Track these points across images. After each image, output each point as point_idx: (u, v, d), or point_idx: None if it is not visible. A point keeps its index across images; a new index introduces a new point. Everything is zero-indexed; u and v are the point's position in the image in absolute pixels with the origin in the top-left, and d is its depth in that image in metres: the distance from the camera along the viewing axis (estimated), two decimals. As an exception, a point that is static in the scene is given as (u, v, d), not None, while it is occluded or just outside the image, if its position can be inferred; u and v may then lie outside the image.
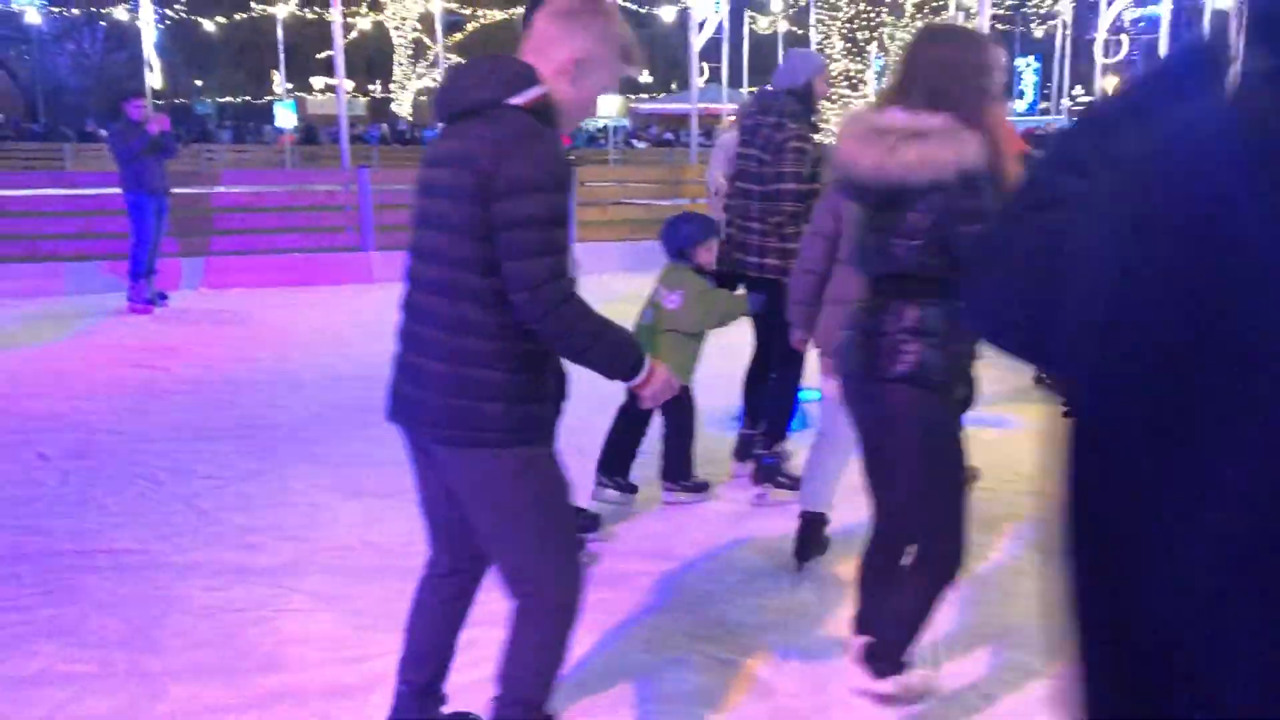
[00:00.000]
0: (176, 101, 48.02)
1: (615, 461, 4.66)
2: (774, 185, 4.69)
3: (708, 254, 4.67)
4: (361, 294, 10.43)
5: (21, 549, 4.23)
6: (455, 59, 46.30)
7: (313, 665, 3.35)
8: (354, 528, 4.48)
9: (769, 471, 4.83)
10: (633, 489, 4.68)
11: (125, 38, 41.65)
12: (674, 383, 2.56)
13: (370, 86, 50.92)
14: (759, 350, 5.15)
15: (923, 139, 2.64)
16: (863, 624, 3.11)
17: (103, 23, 42.59)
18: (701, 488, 4.89)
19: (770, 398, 4.99)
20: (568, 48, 2.41)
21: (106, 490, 4.91)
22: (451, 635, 2.85)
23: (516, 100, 2.35)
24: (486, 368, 2.38)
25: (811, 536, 4.12)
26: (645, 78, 55.33)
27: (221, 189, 12.82)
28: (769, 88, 4.92)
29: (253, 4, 38.93)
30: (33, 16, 43.27)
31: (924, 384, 2.74)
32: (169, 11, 36.34)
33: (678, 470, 4.81)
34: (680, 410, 4.65)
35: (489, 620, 3.61)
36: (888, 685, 2.99)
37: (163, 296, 9.72)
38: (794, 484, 4.54)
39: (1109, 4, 14.75)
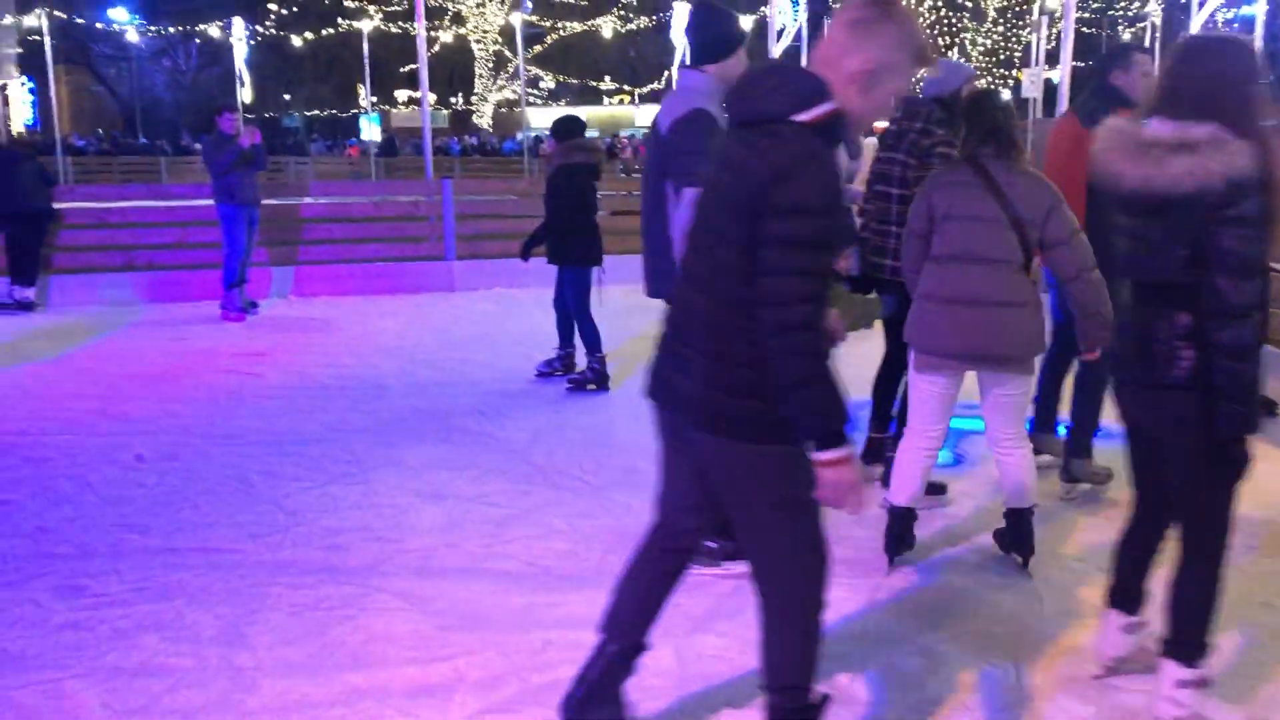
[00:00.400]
0: (266, 115, 49.40)
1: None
2: (916, 190, 4.69)
3: (845, 259, 4.73)
4: (443, 302, 10.61)
5: (120, 547, 4.40)
6: (535, 71, 46.93)
7: (397, 663, 3.43)
8: (437, 530, 4.57)
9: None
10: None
11: (218, 54, 43.00)
12: (859, 493, 2.51)
13: (452, 99, 51.79)
14: (890, 353, 5.12)
15: (1190, 150, 2.67)
16: (1118, 598, 3.26)
17: (197, 40, 43.99)
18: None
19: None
20: (859, 58, 2.44)
21: (200, 491, 5.08)
22: (663, 602, 2.96)
23: (803, 117, 2.39)
24: (747, 367, 2.45)
25: (902, 532, 4.15)
26: (723, 87, 55.33)
27: (309, 200, 13.17)
28: (917, 94, 4.95)
29: (339, 19, 39.89)
30: (131, 35, 44.89)
31: (1201, 388, 2.78)
32: (259, 28, 37.38)
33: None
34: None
35: (565, 623, 3.67)
36: (1202, 670, 2.98)
37: (254, 305, 10.01)
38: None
39: (1200, 5, 14.37)
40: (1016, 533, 4.11)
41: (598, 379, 7.03)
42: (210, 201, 9.75)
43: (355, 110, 48.34)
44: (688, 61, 4.15)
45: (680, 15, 21.58)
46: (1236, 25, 25.40)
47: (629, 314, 7.73)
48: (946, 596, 3.92)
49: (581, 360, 7.20)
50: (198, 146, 27.67)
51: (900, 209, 4.65)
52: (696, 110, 3.83)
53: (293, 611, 3.79)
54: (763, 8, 15.16)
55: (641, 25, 42.69)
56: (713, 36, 3.98)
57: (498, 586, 4.00)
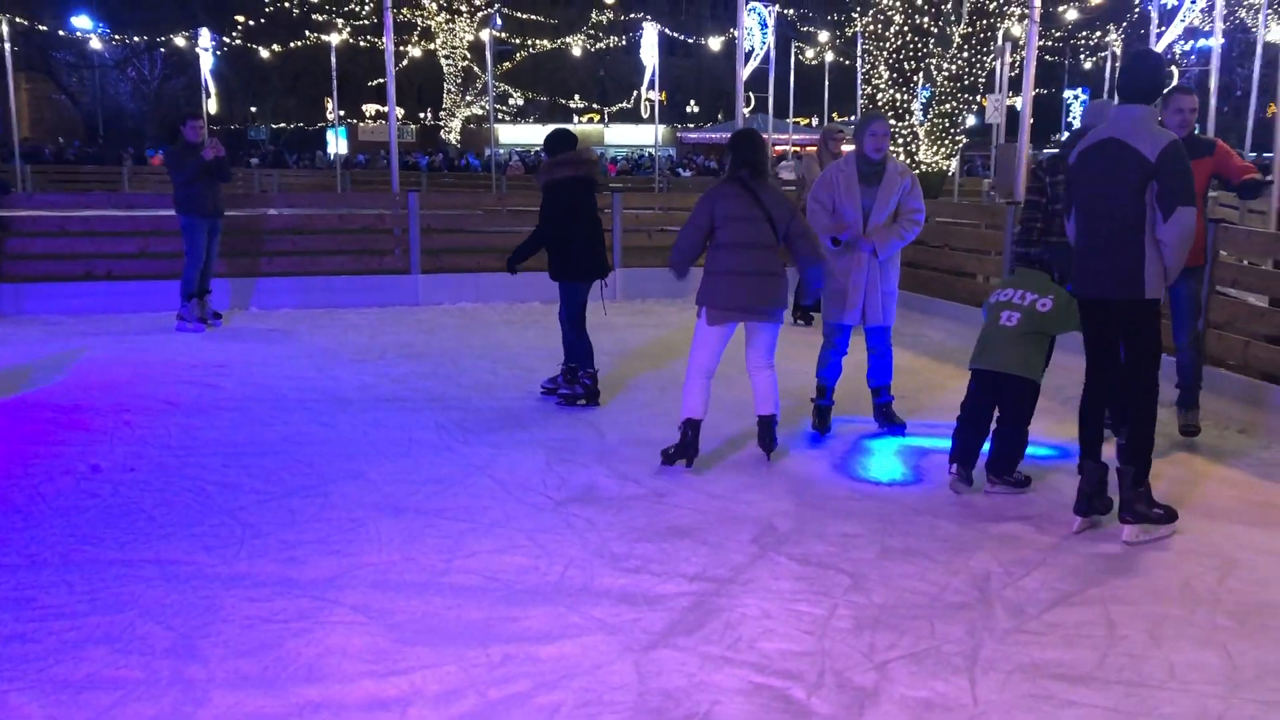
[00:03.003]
0: (232, 127, 49.01)
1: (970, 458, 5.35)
2: None
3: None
4: (407, 315, 10.56)
5: (71, 558, 4.33)
6: (504, 88, 46.95)
7: (352, 677, 3.39)
8: (395, 544, 4.53)
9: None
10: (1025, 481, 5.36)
11: (183, 64, 42.67)
12: None
13: (421, 114, 51.66)
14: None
15: None
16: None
17: (161, 49, 43.62)
18: (1024, 483, 5.30)
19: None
20: None
21: (155, 502, 5.01)
22: None
23: None
24: None
25: (695, 439, 5.72)
26: (692, 107, 55.65)
27: (273, 211, 13.06)
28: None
29: (307, 32, 39.72)
30: (95, 43, 44.43)
31: None
32: (226, 39, 37.15)
33: (1005, 464, 5.27)
34: (1022, 406, 5.23)
35: (524, 637, 3.66)
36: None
37: (216, 316, 9.91)
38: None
39: (1158, 36, 14.65)
40: (766, 432, 5.82)
41: (588, 394, 6.99)
42: (173, 211, 9.65)
43: (322, 123, 48.13)
44: (652, 80, 4.36)
45: (650, 37, 21.69)
46: (1194, 57, 25.92)
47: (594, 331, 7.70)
48: (902, 614, 3.94)
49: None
50: (157, 154, 27.43)
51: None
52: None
53: (247, 624, 3.74)
54: (731, 29, 15.27)
55: (611, 44, 42.86)
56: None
57: (456, 600, 3.97)
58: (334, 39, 28.13)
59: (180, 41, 33.97)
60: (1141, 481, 4.66)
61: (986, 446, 5.36)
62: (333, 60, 24.93)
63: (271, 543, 4.52)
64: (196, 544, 4.49)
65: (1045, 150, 38.55)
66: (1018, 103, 10.54)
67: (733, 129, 8.12)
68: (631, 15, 39.63)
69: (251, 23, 38.65)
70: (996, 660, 3.55)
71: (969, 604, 4.01)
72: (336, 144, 33.33)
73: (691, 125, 53.81)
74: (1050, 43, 35.18)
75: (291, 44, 39.40)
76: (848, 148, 7.81)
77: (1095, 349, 4.86)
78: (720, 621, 3.81)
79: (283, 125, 52.17)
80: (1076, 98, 43.64)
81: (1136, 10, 27.85)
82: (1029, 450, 5.38)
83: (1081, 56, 37.32)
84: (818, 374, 6.42)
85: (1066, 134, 41.65)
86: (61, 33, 40.85)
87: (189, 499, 5.06)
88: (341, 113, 36.09)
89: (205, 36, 25.95)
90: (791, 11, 31.19)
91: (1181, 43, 23.80)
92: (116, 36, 42.42)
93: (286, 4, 38.67)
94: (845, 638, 3.71)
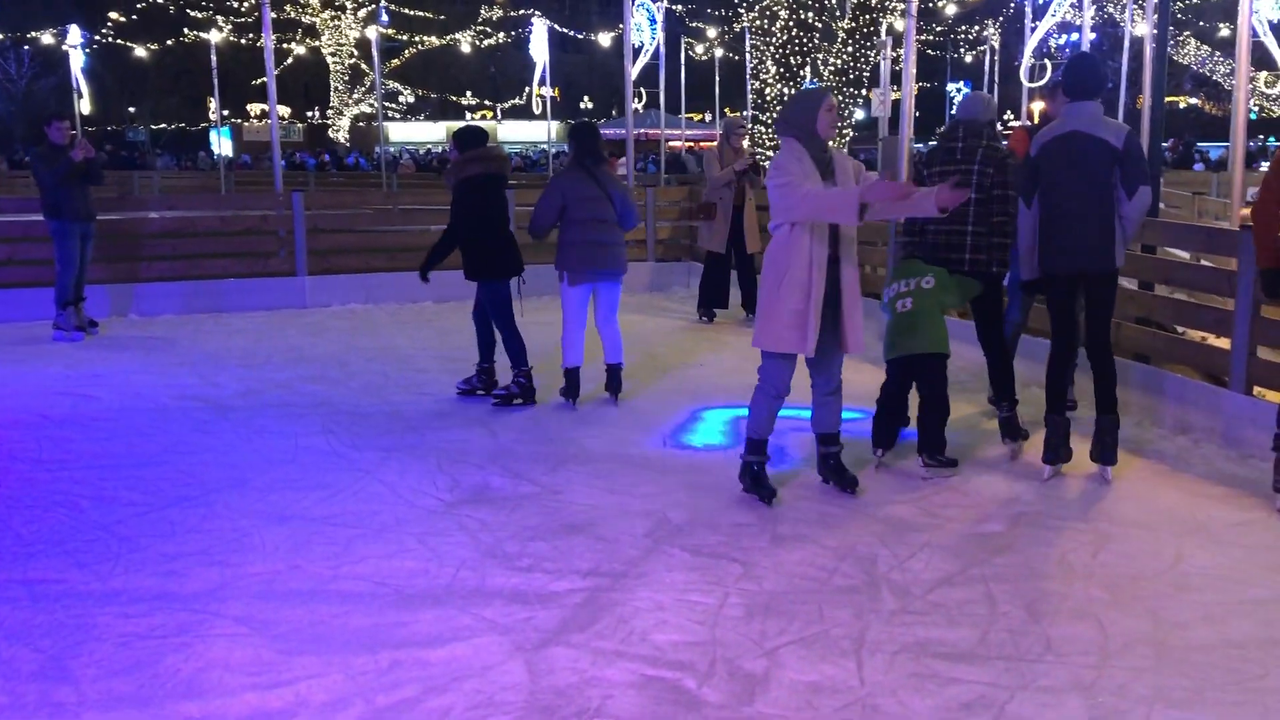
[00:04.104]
0: (109, 129, 47.22)
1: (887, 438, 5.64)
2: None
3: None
4: (294, 319, 10.31)
5: (-67, 581, 4.11)
6: (394, 85, 46.21)
7: (234, 690, 3.29)
8: (281, 552, 4.42)
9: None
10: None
11: (52, 63, 40.93)
12: None
13: (309, 113, 50.52)
14: (980, 331, 5.94)
15: None
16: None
17: (28, 48, 41.81)
18: (953, 464, 5.48)
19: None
20: None
21: (24, 519, 4.79)
22: None
23: None
24: None
25: (578, 383, 6.80)
26: (585, 103, 55.58)
27: (153, 214, 12.63)
28: (974, 118, 5.78)
29: (185, 29, 38.48)
30: (-43, 42, 42.35)
31: None
32: (97, 37, 35.77)
33: (937, 443, 5.45)
34: (938, 378, 5.45)
35: (413, 642, 3.61)
36: None
37: (93, 324, 9.53)
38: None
39: (1032, 30, 15.14)
40: (614, 379, 6.94)
41: (524, 393, 6.90)
42: (40, 216, 9.25)
43: (205, 124, 46.68)
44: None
45: (540, 33, 21.55)
46: (1067, 51, 26.88)
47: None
48: (792, 600, 3.99)
49: (504, 376, 7.06)
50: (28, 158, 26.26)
51: (977, 210, 5.57)
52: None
53: (121, 642, 3.60)
54: (620, 25, 15.29)
55: (500, 40, 42.53)
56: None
57: (344, 607, 3.89)
58: (214, 36, 27.29)
59: (48, 39, 32.58)
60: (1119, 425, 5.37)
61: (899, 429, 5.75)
62: (213, 58, 24.17)
63: (150, 556, 4.37)
64: (68, 561, 4.31)
65: (930, 142, 39.59)
66: (902, 96, 10.77)
67: (623, 125, 8.23)
68: (520, 11, 39.37)
69: (124, 19, 37.27)
70: (882, 641, 3.62)
71: (856, 587, 4.08)
72: (220, 144, 32.35)
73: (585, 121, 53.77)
74: (931, 37, 36.10)
75: (169, 41, 38.14)
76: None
77: (1061, 318, 5.46)
78: (613, 616, 3.81)
79: (163, 126, 50.45)
80: (959, 90, 44.82)
81: (1012, 6, 28.77)
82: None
83: (962, 51, 38.36)
84: (754, 428, 5.13)
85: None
86: (-81, 29, 38.81)
87: (61, 515, 4.86)
88: (225, 112, 35.08)
89: (75, 34, 24.86)
90: (680, 7, 31.38)
91: (1055, 37, 24.67)
92: (-21, 34, 40.48)
93: (160, 0, 37.40)
94: (736, 626, 3.74)
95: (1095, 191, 5.15)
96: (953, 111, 43.60)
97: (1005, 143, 6.16)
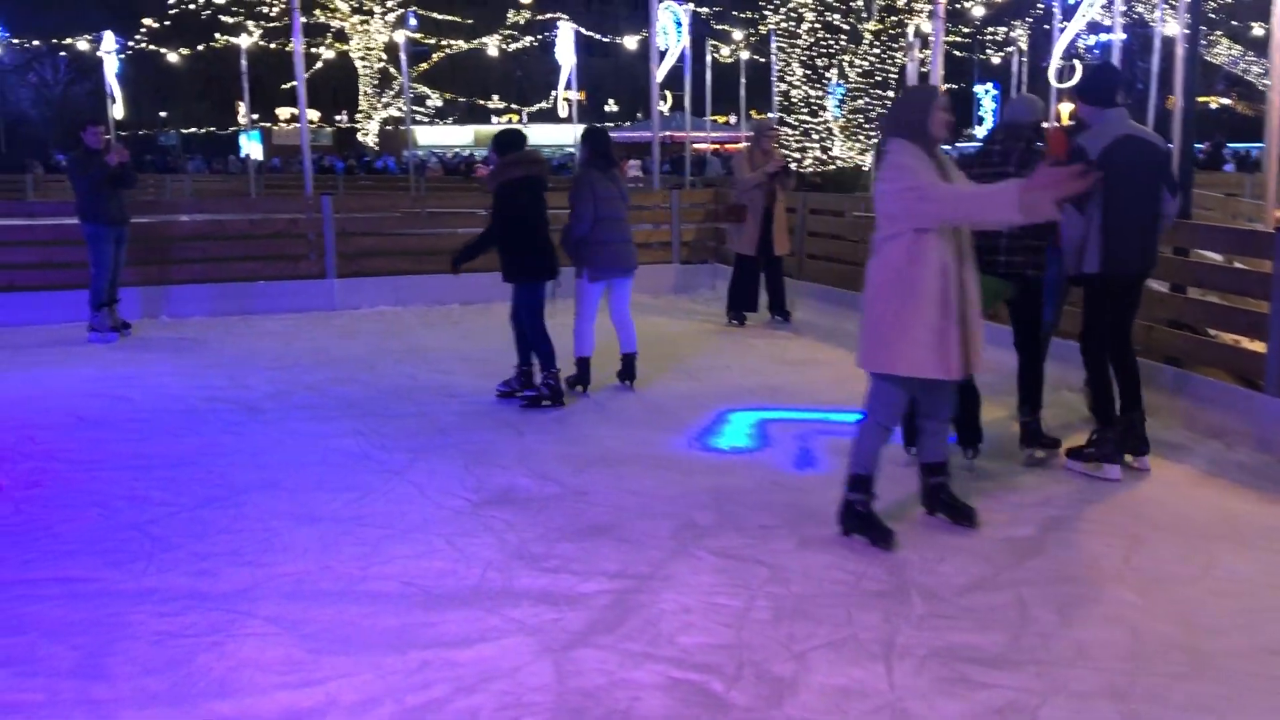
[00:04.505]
0: (141, 133, 47.71)
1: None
2: None
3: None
4: (323, 321, 10.39)
5: (-30, 579, 4.17)
6: (421, 89, 46.44)
7: (265, 689, 3.32)
8: (310, 553, 4.45)
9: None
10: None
11: (87, 68, 41.43)
12: None
13: (337, 117, 50.83)
14: (1016, 335, 5.89)
15: None
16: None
17: (64, 54, 42.32)
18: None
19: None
20: None
21: (60, 519, 4.86)
22: None
23: None
24: None
25: (587, 373, 7.22)
26: (611, 106, 55.67)
27: (184, 218, 12.76)
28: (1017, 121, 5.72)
29: (216, 35, 38.83)
30: (-7, 47, 42.97)
31: None
32: (130, 42, 36.17)
33: (974, 435, 5.57)
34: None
35: (442, 642, 3.63)
36: None
37: (125, 325, 9.64)
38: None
39: (1060, 31, 15.03)
40: (629, 367, 7.35)
41: (553, 395, 6.92)
42: (75, 220, 9.36)
43: (235, 128, 47.09)
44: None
45: (566, 37, 21.59)
46: (1097, 51, 26.66)
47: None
48: (820, 603, 3.98)
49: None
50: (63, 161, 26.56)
51: None
52: None
53: (155, 640, 3.64)
54: (646, 29, 15.31)
55: (527, 44, 42.65)
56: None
57: (373, 608, 3.91)
58: (244, 41, 27.55)
59: (83, 45, 32.98)
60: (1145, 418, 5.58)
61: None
62: (243, 63, 24.40)
63: (182, 556, 4.41)
64: (103, 560, 4.36)
65: (956, 145, 39.34)
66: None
67: (649, 127, 8.34)
68: (547, 15, 39.47)
69: (157, 25, 37.67)
70: (912, 646, 3.61)
71: (885, 591, 4.07)
72: (249, 148, 32.64)
73: (611, 124, 53.83)
74: (959, 39, 35.89)
75: (200, 47, 38.49)
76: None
77: (1126, 319, 5.52)
78: (640, 618, 3.82)
79: (194, 130, 50.91)
80: (987, 92, 44.54)
81: (1041, 6, 28.56)
82: None
83: (989, 52, 38.12)
84: (860, 462, 4.57)
85: (980, 128, 42.55)
86: (-44, 37, 39.41)
87: (95, 514, 4.92)
88: (255, 116, 35.37)
89: (109, 39, 25.16)
90: (705, 10, 31.36)
91: (1084, 38, 24.47)
92: (15, 40, 41.04)
93: (192, 6, 37.76)
94: (764, 629, 3.74)
95: (1154, 194, 5.38)
96: (980, 114, 43.42)
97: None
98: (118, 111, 24.21)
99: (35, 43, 38.99)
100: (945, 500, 4.78)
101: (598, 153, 7.13)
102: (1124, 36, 17.92)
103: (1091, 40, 26.45)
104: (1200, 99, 23.48)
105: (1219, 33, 29.93)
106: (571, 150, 37.44)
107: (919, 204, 4.17)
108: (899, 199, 4.22)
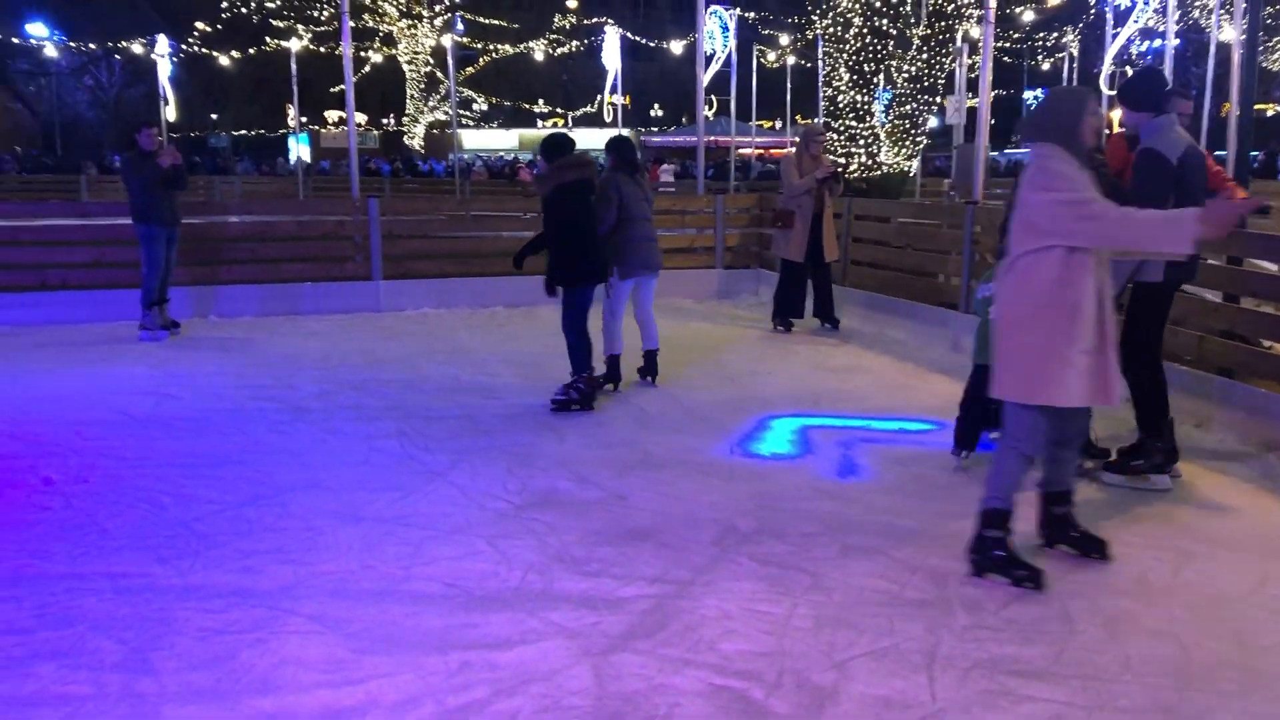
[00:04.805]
0: (192, 135, 48.49)
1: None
2: None
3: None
4: (369, 322, 10.48)
5: (21, 573, 4.25)
6: (467, 93, 46.79)
7: (307, 687, 3.34)
8: (353, 552, 4.49)
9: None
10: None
11: (141, 72, 42.18)
12: None
13: (384, 120, 51.36)
14: None
15: None
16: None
17: (119, 57, 43.12)
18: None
19: None
20: None
21: (108, 515, 4.93)
22: None
23: None
24: None
25: (616, 372, 7.33)
26: (656, 110, 55.72)
27: (233, 219, 12.94)
28: None
29: (267, 39, 39.38)
30: (50, 51, 43.86)
31: None
32: (184, 46, 36.77)
33: (968, 440, 5.65)
34: (978, 385, 5.35)
35: (483, 644, 3.63)
36: None
37: (175, 324, 9.79)
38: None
39: (1113, 37, 14.82)
40: (651, 362, 7.64)
41: (582, 399, 6.90)
42: (128, 220, 9.53)
43: (284, 130, 47.73)
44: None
45: (612, 41, 21.67)
46: (1149, 57, 26.28)
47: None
48: (862, 612, 3.94)
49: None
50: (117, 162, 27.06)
51: None
52: None
53: (200, 636, 3.68)
54: (692, 33, 15.32)
55: (573, 49, 42.82)
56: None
57: (415, 608, 3.93)
58: (294, 45, 27.92)
59: (138, 49, 33.58)
60: None
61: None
62: (293, 67, 24.73)
63: (227, 553, 4.46)
64: (150, 556, 4.42)
65: (1005, 151, 38.92)
66: (978, 104, 10.63)
67: (694, 132, 8.44)
68: (593, 19, 39.63)
69: (210, 29, 38.28)
70: (955, 657, 3.56)
71: (928, 601, 4.02)
72: (297, 150, 33.08)
73: (655, 129, 53.83)
74: (1008, 44, 35.54)
75: (251, 50, 39.06)
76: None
77: (1161, 330, 5.48)
78: (680, 624, 3.80)
79: (244, 132, 51.68)
80: (1036, 98, 44.07)
81: (1093, 12, 28.20)
82: None
83: (1040, 58, 37.69)
84: (999, 495, 4.25)
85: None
86: (16, 40, 40.28)
87: (143, 511, 4.99)
88: (304, 119, 35.83)
89: (163, 43, 25.65)
90: (752, 15, 31.30)
91: (1137, 43, 24.13)
92: (73, 43, 41.91)
93: (244, 10, 38.32)
94: (805, 637, 3.71)
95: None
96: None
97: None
98: (170, 114, 24.66)
99: (91, 46, 39.79)
100: (1073, 532, 4.44)
101: (623, 159, 7.43)
102: (1178, 42, 17.66)
103: (1144, 46, 26.07)
104: (1258, 106, 23.07)
105: (1277, 39, 29.38)
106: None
107: (1080, 221, 3.81)
108: (1053, 212, 3.86)
